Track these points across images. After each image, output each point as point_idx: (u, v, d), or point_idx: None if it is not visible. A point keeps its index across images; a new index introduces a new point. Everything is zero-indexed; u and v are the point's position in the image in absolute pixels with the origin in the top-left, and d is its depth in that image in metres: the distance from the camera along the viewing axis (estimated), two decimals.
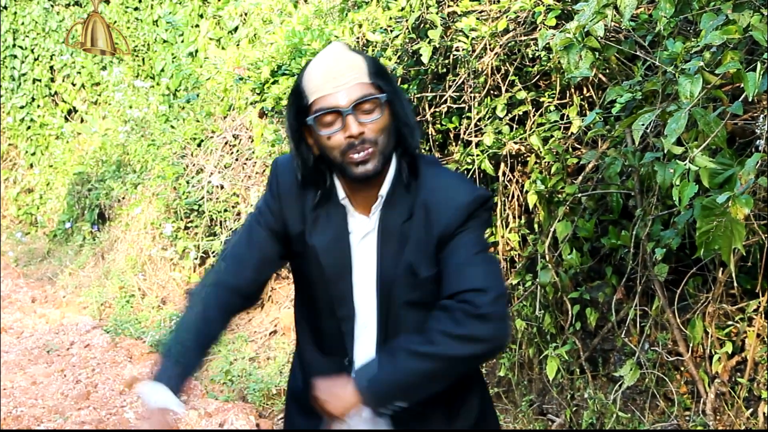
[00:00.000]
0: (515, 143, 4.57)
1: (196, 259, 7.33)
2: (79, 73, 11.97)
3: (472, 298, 1.93)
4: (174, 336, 2.11)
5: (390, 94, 2.05)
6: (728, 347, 3.80)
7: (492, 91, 4.66)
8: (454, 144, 4.99)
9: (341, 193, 2.13)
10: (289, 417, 2.39)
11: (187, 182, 7.58)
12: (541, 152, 4.40)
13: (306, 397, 2.11)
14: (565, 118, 4.46)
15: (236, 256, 2.20)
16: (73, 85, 12.12)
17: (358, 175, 2.03)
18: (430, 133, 4.92)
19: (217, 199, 7.28)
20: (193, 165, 7.66)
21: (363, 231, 2.13)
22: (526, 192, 4.44)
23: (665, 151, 2.99)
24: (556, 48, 3.29)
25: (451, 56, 4.69)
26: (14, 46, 12.29)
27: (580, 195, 4.17)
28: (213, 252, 7.20)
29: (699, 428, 3.82)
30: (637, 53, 3.62)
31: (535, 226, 4.57)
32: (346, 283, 2.13)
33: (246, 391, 5.52)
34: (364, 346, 2.15)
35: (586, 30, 3.19)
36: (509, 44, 4.51)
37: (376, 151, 2.02)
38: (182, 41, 10.12)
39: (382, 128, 2.03)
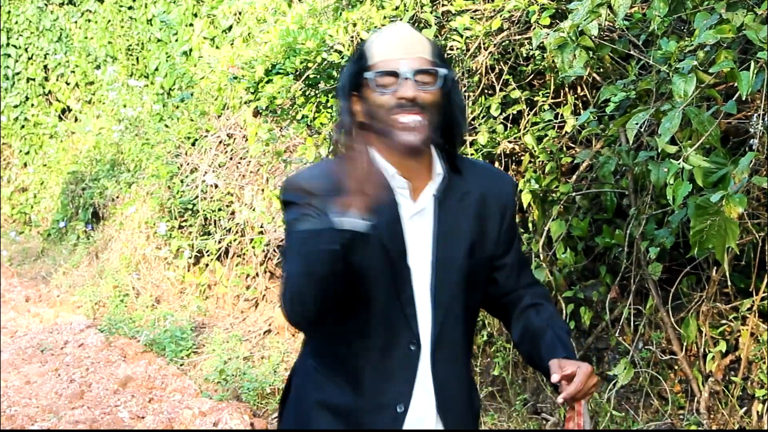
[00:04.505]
0: (509, 142, 4.58)
1: (190, 258, 7.32)
2: (73, 72, 11.93)
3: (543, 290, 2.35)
4: None
5: (449, 76, 2.08)
6: (722, 346, 3.81)
7: (486, 90, 4.67)
8: None
9: (390, 168, 2.08)
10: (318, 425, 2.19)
11: (182, 181, 7.56)
12: (535, 151, 4.40)
13: (351, 405, 2.11)
14: (559, 117, 4.46)
15: None
16: (67, 84, 12.08)
17: (402, 141, 2.02)
18: None
19: (212, 198, 7.26)
20: (188, 164, 7.64)
21: (411, 210, 2.11)
22: (520, 191, 4.44)
23: (659, 150, 3.00)
24: (550, 47, 3.30)
25: (445, 55, 4.69)
26: (8, 45, 12.25)
27: (574, 194, 4.17)
28: (207, 251, 7.20)
29: (693, 427, 3.82)
30: (631, 52, 3.62)
31: (530, 225, 4.57)
32: (405, 264, 2.09)
33: (240, 391, 5.51)
34: (425, 328, 2.12)
35: (580, 29, 3.19)
36: (503, 43, 4.51)
37: (425, 120, 2.02)
38: (176, 40, 10.09)
39: (434, 101, 2.04)
